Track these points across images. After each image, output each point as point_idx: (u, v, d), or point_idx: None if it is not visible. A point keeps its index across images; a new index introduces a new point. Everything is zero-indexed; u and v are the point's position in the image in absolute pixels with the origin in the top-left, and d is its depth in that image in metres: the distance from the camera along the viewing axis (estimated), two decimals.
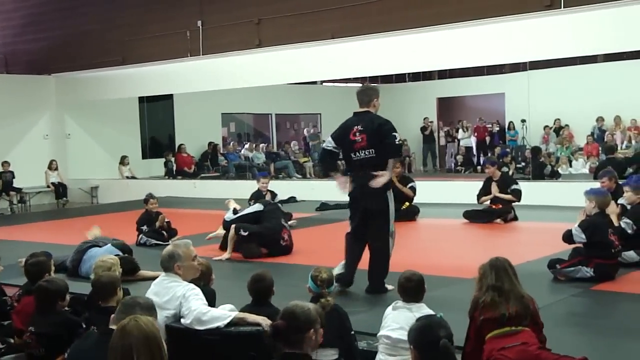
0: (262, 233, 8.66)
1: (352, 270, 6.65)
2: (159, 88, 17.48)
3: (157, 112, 20.89)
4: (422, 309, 4.31)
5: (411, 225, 11.23)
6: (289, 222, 11.15)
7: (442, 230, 10.79)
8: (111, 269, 5.55)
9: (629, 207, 7.47)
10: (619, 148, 17.51)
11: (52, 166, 17.90)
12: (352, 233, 6.76)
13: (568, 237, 6.67)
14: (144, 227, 9.91)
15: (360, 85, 24.64)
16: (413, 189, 11.74)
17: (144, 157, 20.43)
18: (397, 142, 6.54)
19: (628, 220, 7.07)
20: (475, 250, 9.01)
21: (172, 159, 19.89)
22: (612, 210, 7.26)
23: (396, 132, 6.55)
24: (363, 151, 6.57)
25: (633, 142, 18.94)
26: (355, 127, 6.62)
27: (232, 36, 14.96)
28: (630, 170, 13.76)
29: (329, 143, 6.89)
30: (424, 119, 23.67)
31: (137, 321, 3.01)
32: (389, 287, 6.39)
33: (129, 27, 16.59)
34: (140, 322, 3.01)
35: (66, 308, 5.13)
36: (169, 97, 20.33)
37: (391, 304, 4.49)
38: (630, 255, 7.01)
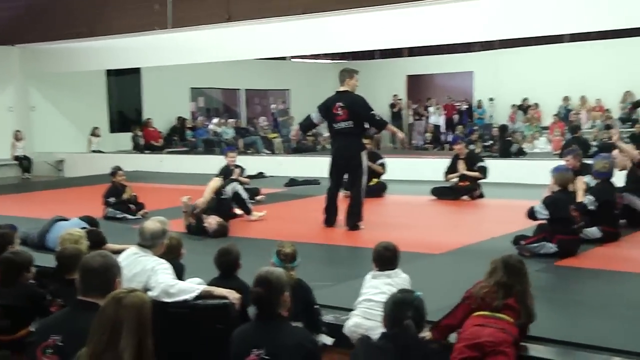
0: (227, 207, 8.73)
1: (333, 214, 8.56)
2: (126, 61, 17.23)
3: (124, 85, 20.64)
4: (400, 274, 4.56)
5: (379, 201, 11.29)
6: (257, 198, 11.19)
7: (410, 207, 10.87)
8: (78, 241, 5.51)
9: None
10: (583, 128, 17.74)
11: (18, 137, 17.60)
12: (333, 187, 8.58)
13: (531, 213, 6.79)
14: (111, 199, 9.83)
15: (329, 61, 24.69)
16: (383, 165, 11.82)
17: (112, 130, 20.20)
18: (377, 119, 8.56)
19: (590, 197, 7.20)
20: (442, 227, 9.12)
21: (140, 133, 19.71)
22: (579, 187, 7.40)
23: (372, 109, 8.45)
24: (343, 122, 8.33)
25: (598, 122, 19.20)
26: (337, 103, 8.35)
27: (201, 10, 14.78)
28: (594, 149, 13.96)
29: (314, 114, 8.66)
30: (393, 96, 23.73)
31: (134, 296, 2.99)
32: (362, 226, 8.35)
33: None
34: (137, 298, 2.99)
35: (32, 281, 5.10)
36: (136, 71, 20.10)
37: (357, 278, 4.56)
38: (592, 231, 7.15)
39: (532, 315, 4.13)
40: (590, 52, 20.10)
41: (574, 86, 20.22)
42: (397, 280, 4.47)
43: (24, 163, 17.53)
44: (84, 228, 6.83)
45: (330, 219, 8.63)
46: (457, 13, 12.18)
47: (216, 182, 8.66)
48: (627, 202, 7.77)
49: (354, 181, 8.50)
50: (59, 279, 4.96)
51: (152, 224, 4.74)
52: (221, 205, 8.61)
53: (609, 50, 19.74)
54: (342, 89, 8.47)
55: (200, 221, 8.36)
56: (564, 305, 5.18)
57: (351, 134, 8.35)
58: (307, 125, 9.08)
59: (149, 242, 4.65)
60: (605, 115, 19.40)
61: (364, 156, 8.48)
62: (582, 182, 7.55)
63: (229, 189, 8.93)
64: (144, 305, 2.99)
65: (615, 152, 8.32)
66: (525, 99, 21.63)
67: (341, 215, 8.68)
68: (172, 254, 5.01)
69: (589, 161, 8.39)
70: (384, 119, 8.92)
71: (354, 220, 8.41)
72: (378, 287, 4.45)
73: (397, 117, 23.62)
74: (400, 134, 9.92)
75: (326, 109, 8.47)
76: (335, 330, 4.65)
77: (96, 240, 6.26)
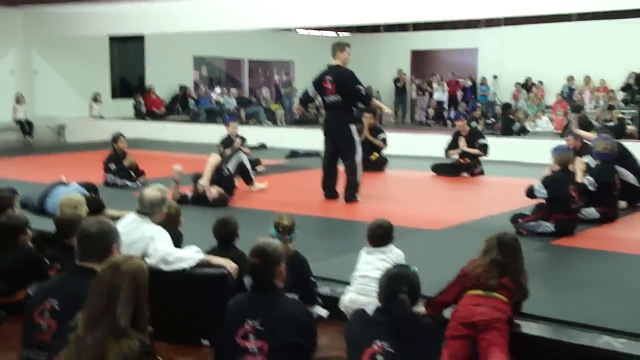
0: (230, 183, 8.71)
1: (332, 188, 8.68)
2: (130, 28, 17.14)
3: (127, 52, 20.54)
4: (393, 249, 4.59)
5: (379, 175, 11.31)
6: (258, 169, 11.20)
7: (410, 182, 10.88)
8: (77, 207, 5.54)
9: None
10: (587, 108, 17.69)
11: (19, 100, 17.54)
12: (327, 160, 8.69)
13: (530, 192, 6.81)
14: (112, 166, 9.84)
15: (334, 34, 24.55)
16: (384, 140, 11.82)
17: (113, 96, 20.17)
18: (363, 93, 8.47)
19: (590, 178, 7.22)
20: (441, 203, 9.14)
21: (141, 100, 19.66)
22: (579, 167, 7.40)
23: (360, 84, 8.40)
24: (332, 96, 8.43)
25: (601, 102, 19.14)
26: (327, 76, 8.46)
27: None
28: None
29: (310, 88, 8.76)
30: (398, 70, 23.63)
31: (132, 263, 3.02)
32: (359, 198, 8.46)
33: None
34: (134, 265, 3.01)
35: (30, 244, 5.13)
36: (140, 38, 20.00)
37: (353, 251, 4.59)
38: (590, 212, 7.17)
39: (525, 293, 4.16)
40: (596, 31, 19.97)
41: (578, 65, 20.13)
42: (390, 256, 4.50)
43: (25, 127, 17.50)
44: (82, 194, 6.85)
45: (328, 192, 8.71)
46: None
47: (215, 158, 8.61)
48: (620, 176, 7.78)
49: (346, 154, 8.52)
50: (58, 243, 4.99)
51: (151, 191, 4.75)
52: (222, 180, 8.57)
53: (615, 31, 19.62)
54: (333, 62, 8.55)
55: (199, 191, 8.34)
56: (558, 284, 5.22)
57: (339, 108, 8.44)
58: (305, 99, 9.21)
59: (148, 210, 4.67)
60: (608, 95, 19.33)
61: (354, 129, 8.51)
62: (582, 163, 7.55)
63: (233, 161, 8.90)
64: (141, 272, 3.02)
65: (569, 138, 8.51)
66: (529, 78, 21.54)
67: (341, 188, 8.71)
68: (170, 222, 5.03)
69: (589, 142, 8.39)
70: (369, 94, 8.89)
71: (349, 192, 8.49)
72: (372, 263, 4.48)
73: (401, 91, 23.57)
74: (387, 110, 9.82)
75: (318, 83, 8.57)
76: (330, 302, 4.69)
77: (95, 206, 6.30)
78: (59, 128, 18.28)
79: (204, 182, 8.32)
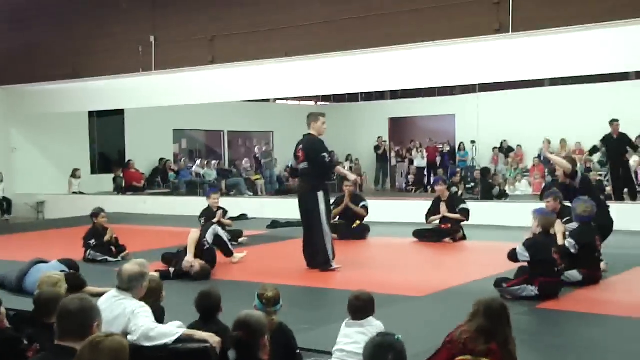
0: (211, 254, 8.66)
1: (309, 256, 8.67)
2: (110, 103, 17.27)
3: (107, 127, 20.63)
4: (372, 322, 4.44)
5: (362, 243, 11.29)
6: (240, 240, 11.15)
7: (392, 249, 10.86)
8: (57, 284, 5.45)
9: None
10: None
11: None
12: (304, 228, 8.81)
13: (512, 255, 6.81)
14: (92, 241, 9.74)
15: (313, 104, 24.87)
16: (365, 208, 11.83)
17: (93, 172, 20.14)
18: (326, 161, 8.63)
19: (571, 240, 7.24)
20: (424, 269, 9.12)
21: (121, 175, 19.65)
22: (559, 229, 7.44)
23: (325, 152, 8.58)
24: (302, 164, 8.73)
25: (578, 164, 19.34)
26: (300, 145, 8.78)
27: (185, 52, 14.91)
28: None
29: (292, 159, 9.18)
30: (378, 138, 23.87)
31: (112, 341, 2.96)
32: (335, 265, 8.49)
33: (80, 40, 16.39)
34: (115, 343, 2.95)
35: (8, 325, 5.02)
36: (120, 112, 20.12)
37: (337, 321, 4.52)
38: (573, 274, 7.17)
39: None
40: (569, 95, 20.39)
41: (553, 129, 20.45)
42: (369, 329, 4.33)
43: (3, 205, 17.37)
44: (62, 271, 6.76)
45: (309, 261, 8.73)
46: (438, 57, 12.37)
47: (195, 233, 8.58)
48: None
49: (312, 222, 8.59)
50: (37, 322, 4.88)
51: (129, 266, 4.70)
52: (203, 253, 8.51)
53: (587, 94, 20.05)
54: (307, 132, 8.77)
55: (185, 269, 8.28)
56: (545, 349, 5.17)
57: (308, 175, 8.67)
58: (292, 170, 9.69)
59: (125, 285, 4.61)
60: (584, 158, 19.59)
61: (321, 196, 8.55)
62: (562, 225, 7.59)
63: (210, 233, 8.86)
64: (122, 350, 2.96)
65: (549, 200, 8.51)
66: (504, 141, 21.83)
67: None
68: (152, 296, 4.95)
69: (568, 204, 8.45)
70: (332, 163, 8.97)
71: (319, 260, 8.53)
72: (350, 337, 4.37)
73: (382, 159, 23.74)
74: (351, 176, 9.97)
75: (294, 152, 8.90)
76: None
77: (75, 283, 6.20)
78: (38, 205, 18.16)
79: (189, 258, 8.25)
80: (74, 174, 18.77)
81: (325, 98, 24.98)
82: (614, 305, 6.71)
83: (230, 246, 9.27)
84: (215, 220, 11.05)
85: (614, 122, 14.78)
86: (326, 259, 8.51)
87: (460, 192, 16.83)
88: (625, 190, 15.25)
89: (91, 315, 3.42)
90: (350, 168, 22.85)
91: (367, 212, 11.84)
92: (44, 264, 7.48)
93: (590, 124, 19.61)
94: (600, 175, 17.40)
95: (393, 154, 24.43)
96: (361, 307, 4.50)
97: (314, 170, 8.64)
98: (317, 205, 8.53)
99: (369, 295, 4.56)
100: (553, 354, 5.06)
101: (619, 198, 14.42)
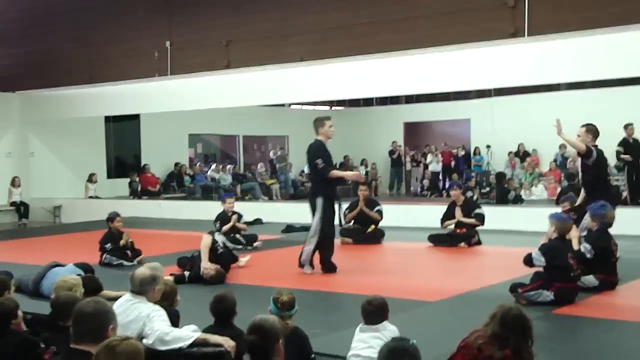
0: (227, 259, 8.69)
1: (325, 261, 8.74)
2: (126, 107, 17.38)
3: (123, 131, 20.74)
4: (387, 327, 4.43)
5: (376, 248, 11.28)
6: (254, 244, 11.17)
7: (407, 254, 10.84)
8: (72, 289, 5.47)
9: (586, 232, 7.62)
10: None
11: (15, 183, 17.62)
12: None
13: (528, 260, 6.77)
14: (108, 245, 9.79)
15: (327, 108, 24.87)
16: (380, 212, 11.82)
17: (109, 176, 20.25)
18: (319, 167, 8.53)
19: (587, 245, 7.19)
20: (439, 274, 9.09)
21: (137, 179, 19.75)
22: (574, 234, 7.39)
23: (319, 157, 8.53)
24: (308, 169, 9.20)
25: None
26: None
27: (200, 57, 14.97)
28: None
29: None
30: (392, 142, 23.84)
31: (128, 344, 2.97)
32: (307, 270, 8.62)
33: (96, 46, 16.50)
34: (130, 346, 2.97)
35: (25, 328, 5.06)
36: (135, 117, 20.22)
37: (352, 326, 4.52)
38: (589, 279, 7.12)
39: None
40: (585, 100, 20.26)
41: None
42: (385, 333, 4.35)
43: (20, 209, 17.51)
44: (79, 275, 6.79)
45: (323, 266, 8.79)
46: (453, 61, 12.34)
47: (207, 239, 8.60)
48: None
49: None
50: (54, 325, 4.91)
51: (141, 270, 4.73)
52: (219, 258, 8.54)
53: (603, 98, 19.91)
54: (316, 137, 8.83)
55: (197, 268, 8.31)
56: (562, 355, 5.14)
57: (312, 179, 9.19)
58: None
59: (138, 289, 4.63)
60: None
61: (319, 202, 8.56)
62: (577, 230, 7.54)
63: (219, 241, 8.90)
64: (138, 353, 2.97)
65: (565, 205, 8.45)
66: (520, 144, 21.73)
67: (337, 262, 8.75)
68: (167, 300, 4.98)
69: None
70: (325, 168, 8.59)
71: (300, 258, 8.72)
72: (365, 341, 4.38)
73: (397, 163, 23.69)
74: (350, 174, 9.89)
75: None
76: None
77: (92, 286, 6.23)
78: (54, 209, 18.29)
79: (204, 264, 8.27)
80: (91, 179, 18.88)
81: (340, 103, 24.98)
82: (630, 311, 6.66)
83: (232, 253, 9.28)
84: (230, 224, 11.10)
85: (628, 126, 14.69)
86: (301, 259, 8.67)
87: (475, 197, 16.77)
88: None
89: (106, 319, 3.44)
90: (366, 173, 22.87)
91: (382, 217, 11.83)
92: (61, 268, 7.53)
93: (607, 128, 19.43)
94: (617, 180, 17.26)
95: (408, 159, 24.37)
96: (374, 311, 4.49)
97: (314, 176, 8.90)
98: (314, 211, 8.61)
99: (382, 300, 4.55)
100: (568, 359, 5.03)
101: (636, 203, 14.32)
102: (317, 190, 8.73)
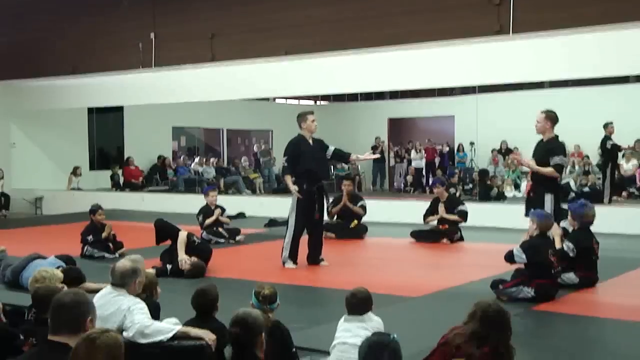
0: (204, 250, 8.67)
1: (311, 254, 8.89)
2: (109, 99, 17.28)
3: (106, 123, 20.62)
4: (372, 317, 4.49)
5: (359, 243, 11.30)
6: (237, 238, 11.16)
7: (390, 249, 10.87)
8: (49, 282, 5.43)
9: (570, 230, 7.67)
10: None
11: None
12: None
13: (509, 257, 6.81)
14: (90, 238, 9.74)
15: (312, 103, 24.86)
16: (363, 207, 11.85)
17: (92, 168, 20.13)
18: (284, 165, 8.84)
19: (569, 244, 7.22)
20: (421, 270, 9.12)
21: (120, 172, 19.64)
22: (555, 232, 7.43)
23: (285, 155, 8.73)
24: None
25: (576, 167, 19.39)
26: None
27: (185, 50, 14.90)
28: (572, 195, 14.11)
29: None
30: (376, 138, 23.85)
31: (108, 337, 2.96)
32: (288, 265, 8.66)
33: (80, 37, 16.38)
34: (110, 339, 2.95)
35: (4, 320, 5.02)
36: (119, 109, 20.12)
37: (334, 320, 4.53)
38: (569, 276, 7.18)
39: None
40: (568, 98, 20.38)
41: (556, 131, 20.43)
42: (370, 324, 4.42)
43: (1, 200, 17.35)
44: (60, 267, 6.76)
45: (308, 259, 8.84)
46: (438, 58, 12.38)
47: (182, 235, 8.58)
48: None
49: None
50: (34, 317, 4.88)
51: (122, 263, 4.71)
52: (197, 250, 8.52)
53: (587, 97, 20.06)
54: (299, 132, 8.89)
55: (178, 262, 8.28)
56: (541, 351, 5.17)
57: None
58: None
59: (119, 281, 4.61)
60: (583, 161, 19.61)
61: (294, 197, 8.67)
62: (559, 228, 7.58)
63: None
64: (117, 346, 2.95)
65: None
66: (503, 141, 21.83)
67: (324, 255, 8.88)
68: (146, 292, 4.96)
69: (565, 206, 8.44)
70: (285, 169, 8.88)
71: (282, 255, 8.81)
72: (351, 331, 4.42)
73: (379, 159, 23.66)
74: (292, 188, 8.83)
75: None
76: None
77: (74, 277, 6.20)
78: (36, 200, 18.16)
79: (181, 256, 8.26)
80: (75, 172, 18.75)
81: (325, 97, 24.98)
82: (609, 308, 6.72)
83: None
84: (213, 218, 11.07)
85: (608, 125, 14.80)
86: (283, 255, 8.74)
87: (458, 194, 16.84)
88: (625, 194, 15.26)
89: (85, 310, 3.40)
90: (349, 168, 22.89)
91: (365, 212, 11.85)
92: (42, 260, 7.48)
93: (590, 126, 19.64)
94: (599, 178, 17.39)
95: (392, 154, 24.41)
96: (357, 304, 4.53)
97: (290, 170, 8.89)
98: (291, 204, 8.74)
99: (366, 292, 4.59)
100: (548, 355, 5.07)
101: (614, 202, 14.46)
102: (297, 183, 8.70)
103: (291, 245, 8.69)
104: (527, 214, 7.68)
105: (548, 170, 7.80)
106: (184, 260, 8.19)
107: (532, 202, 7.77)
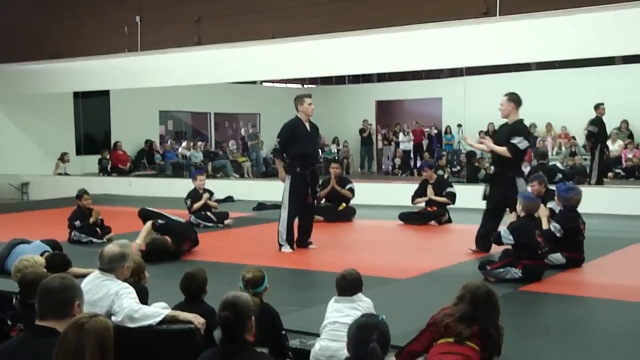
0: (175, 229, 8.63)
1: (299, 237, 8.84)
2: (95, 83, 17.15)
3: (92, 108, 20.48)
4: (362, 298, 4.55)
5: (347, 225, 11.32)
6: (226, 222, 11.14)
7: (378, 232, 10.89)
8: (28, 269, 5.40)
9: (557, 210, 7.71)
10: (549, 154, 17.97)
11: None
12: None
13: (497, 238, 6.86)
14: (77, 223, 9.70)
15: (299, 86, 24.78)
16: (352, 190, 11.87)
17: (78, 153, 20.01)
18: (275, 145, 8.77)
19: (556, 225, 7.26)
20: (409, 252, 9.15)
21: (107, 156, 19.55)
22: (543, 213, 7.47)
23: (278, 137, 8.68)
24: None
25: (563, 148, 19.48)
26: None
27: (171, 33, 14.80)
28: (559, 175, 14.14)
29: None
30: (363, 121, 23.85)
31: (97, 321, 2.95)
32: (285, 249, 8.60)
33: (65, 21, 16.24)
34: (100, 323, 2.95)
35: None
36: (105, 93, 19.98)
37: (323, 303, 4.56)
38: (556, 257, 7.22)
39: (498, 348, 4.08)
40: (555, 79, 20.43)
41: (539, 113, 20.51)
42: (361, 304, 4.47)
43: None
44: (45, 252, 6.73)
45: (297, 241, 8.87)
46: (425, 40, 12.35)
47: (146, 225, 8.59)
48: None
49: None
50: (21, 303, 4.87)
51: (110, 247, 4.69)
52: (165, 232, 8.47)
53: (573, 78, 20.10)
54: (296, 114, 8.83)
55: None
56: (528, 331, 5.21)
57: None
58: None
59: (107, 266, 4.60)
60: (570, 142, 19.69)
61: (287, 180, 8.65)
62: (546, 210, 7.62)
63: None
64: (106, 330, 2.95)
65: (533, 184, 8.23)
66: (490, 123, 21.88)
67: (313, 238, 8.91)
68: (135, 277, 4.95)
69: (553, 187, 8.49)
70: (276, 150, 8.89)
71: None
72: (342, 311, 4.46)
73: (367, 142, 23.72)
74: (281, 175, 8.89)
75: None
76: (301, 355, 4.63)
77: (60, 262, 6.17)
78: (22, 186, 18.05)
79: (137, 241, 8.24)
80: (62, 158, 18.61)
81: (312, 80, 24.91)
82: (595, 288, 6.77)
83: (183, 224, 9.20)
84: (201, 202, 11.05)
85: (599, 106, 14.83)
86: (279, 239, 8.68)
87: (446, 176, 16.89)
88: (610, 174, 15.32)
89: (72, 294, 3.39)
90: (338, 151, 22.90)
91: (354, 195, 11.87)
92: (26, 245, 7.43)
93: (576, 108, 19.73)
94: (585, 159, 17.48)
95: (380, 137, 24.42)
96: (347, 285, 4.58)
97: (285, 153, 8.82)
98: (284, 189, 8.71)
99: (356, 274, 4.64)
100: (535, 335, 5.11)
101: (602, 182, 14.53)
102: (289, 167, 8.72)
103: (287, 229, 8.68)
104: (484, 197, 7.86)
105: (502, 149, 7.94)
106: (136, 243, 8.09)
107: (493, 183, 8.13)
